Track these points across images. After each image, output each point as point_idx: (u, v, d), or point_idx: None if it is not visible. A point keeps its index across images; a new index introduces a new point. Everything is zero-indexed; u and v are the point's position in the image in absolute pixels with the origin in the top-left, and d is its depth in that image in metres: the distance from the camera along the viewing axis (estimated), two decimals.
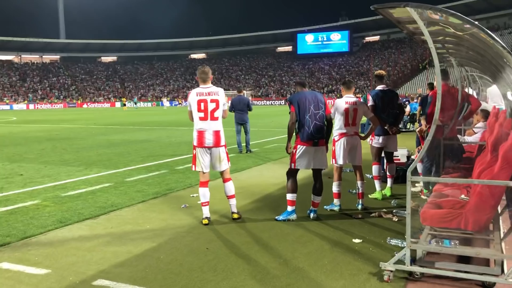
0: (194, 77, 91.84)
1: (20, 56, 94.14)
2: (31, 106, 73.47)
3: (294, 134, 5.80)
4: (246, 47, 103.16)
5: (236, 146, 12.53)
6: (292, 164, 5.76)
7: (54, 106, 76.52)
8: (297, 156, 5.70)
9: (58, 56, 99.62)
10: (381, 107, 6.72)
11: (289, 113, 5.73)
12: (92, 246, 4.89)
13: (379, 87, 6.91)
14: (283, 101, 72.20)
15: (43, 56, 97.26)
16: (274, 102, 74.93)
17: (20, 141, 16.94)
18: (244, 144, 12.54)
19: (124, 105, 62.28)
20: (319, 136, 5.70)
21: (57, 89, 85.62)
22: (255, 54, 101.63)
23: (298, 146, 5.71)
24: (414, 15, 3.61)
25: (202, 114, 5.59)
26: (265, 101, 75.72)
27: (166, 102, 69.71)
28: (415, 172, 6.58)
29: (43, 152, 13.19)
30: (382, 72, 7.15)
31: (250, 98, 69.59)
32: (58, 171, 9.76)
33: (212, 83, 5.81)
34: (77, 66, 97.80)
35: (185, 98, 74.34)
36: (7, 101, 74.60)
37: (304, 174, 5.94)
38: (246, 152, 12.34)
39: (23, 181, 8.59)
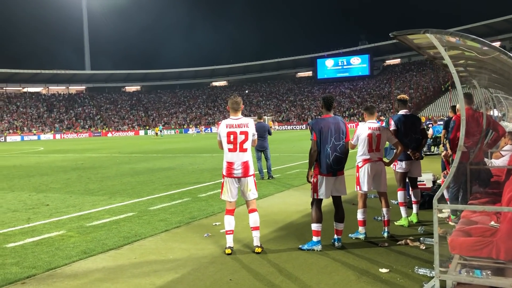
0: (216, 104, 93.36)
1: (48, 87, 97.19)
2: (58, 136, 75.36)
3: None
4: (266, 74, 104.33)
5: (258, 172, 12.50)
6: (315, 194, 5.70)
7: (80, 135, 78.29)
8: (319, 187, 5.65)
9: (84, 87, 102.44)
10: (403, 131, 6.64)
11: (311, 140, 5.71)
12: (115, 278, 4.89)
13: (402, 112, 6.85)
14: (305, 125, 72.21)
15: (69, 87, 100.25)
16: (295, 127, 75.07)
17: (46, 171, 17.30)
18: (266, 170, 12.52)
19: (156, 134, 62.58)
20: (338, 168, 5.66)
21: (82, 119, 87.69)
22: (276, 80, 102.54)
23: (318, 176, 5.66)
24: (434, 41, 3.58)
25: (231, 146, 5.64)
26: (286, 126, 75.97)
27: (192, 129, 68.64)
28: (441, 198, 6.44)
29: (69, 182, 13.41)
30: (405, 96, 7.09)
31: (275, 123, 69.61)
32: (83, 200, 9.89)
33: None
34: (102, 96, 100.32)
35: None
36: (35, 131, 76.71)
37: (325, 201, 5.86)
38: (268, 178, 12.31)
39: (49, 212, 8.72)
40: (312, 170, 5.73)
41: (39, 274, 5.08)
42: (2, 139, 69.43)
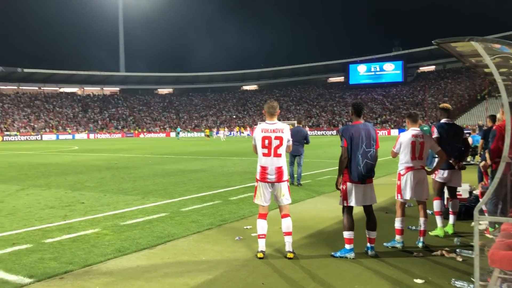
0: (246, 108, 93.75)
1: (83, 88, 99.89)
2: (91, 136, 77.24)
3: None
4: (297, 78, 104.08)
5: (289, 177, 12.43)
6: (345, 202, 5.65)
7: (113, 135, 80.00)
8: (348, 194, 5.60)
9: (118, 88, 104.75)
10: (446, 139, 6.55)
11: (341, 147, 5.65)
12: (150, 277, 4.97)
13: (444, 120, 6.78)
14: (335, 131, 71.58)
15: (104, 88, 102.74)
16: (325, 133, 74.50)
17: (81, 169, 17.75)
18: (296, 175, 12.44)
19: (208, 136, 56.15)
20: (368, 175, 5.60)
21: (115, 120, 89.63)
22: (306, 85, 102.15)
23: (348, 183, 5.61)
24: (479, 49, 3.51)
25: (265, 151, 5.66)
26: (316, 131, 75.43)
27: (222, 132, 62.21)
28: (480, 209, 6.26)
29: (103, 181, 13.72)
30: (448, 105, 7.01)
31: (305, 128, 68.44)
32: (117, 199, 10.10)
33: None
34: (135, 97, 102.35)
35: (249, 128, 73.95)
36: (69, 131, 78.88)
37: (357, 208, 5.80)
38: (296, 185, 12.21)
39: (84, 209, 8.94)
40: (341, 177, 5.68)
41: (76, 270, 5.21)
42: (38, 137, 71.68)
